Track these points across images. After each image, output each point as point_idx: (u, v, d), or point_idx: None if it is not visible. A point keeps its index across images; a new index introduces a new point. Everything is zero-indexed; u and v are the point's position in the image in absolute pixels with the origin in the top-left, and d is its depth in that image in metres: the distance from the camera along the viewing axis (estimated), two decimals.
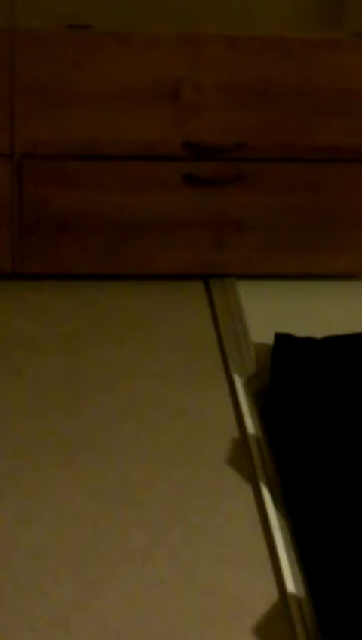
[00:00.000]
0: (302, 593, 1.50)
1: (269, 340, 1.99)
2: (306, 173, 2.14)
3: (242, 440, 1.82)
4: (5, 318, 2.10)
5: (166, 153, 2.08)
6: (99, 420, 1.84)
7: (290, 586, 1.51)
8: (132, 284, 2.23)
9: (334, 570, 1.50)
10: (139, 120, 2.03)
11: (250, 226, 2.17)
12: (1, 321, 2.09)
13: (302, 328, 2.03)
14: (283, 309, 2.17)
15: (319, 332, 2.02)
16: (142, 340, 2.07)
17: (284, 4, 2.23)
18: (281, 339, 1.97)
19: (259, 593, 1.50)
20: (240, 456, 1.78)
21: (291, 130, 2.09)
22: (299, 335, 2.00)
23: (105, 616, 1.44)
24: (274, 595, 1.50)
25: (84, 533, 1.59)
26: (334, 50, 2.03)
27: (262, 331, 2.06)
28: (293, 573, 1.54)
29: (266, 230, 2.18)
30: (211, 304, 2.21)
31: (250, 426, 1.84)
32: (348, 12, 2.24)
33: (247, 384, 1.96)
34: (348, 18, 2.23)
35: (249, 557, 1.57)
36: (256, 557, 1.57)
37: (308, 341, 1.98)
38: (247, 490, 1.70)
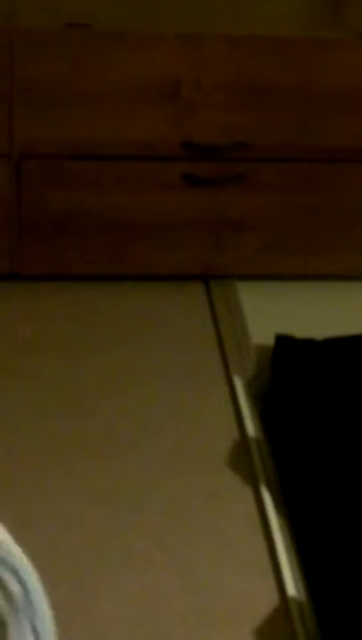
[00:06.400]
0: (302, 596, 1.50)
1: (270, 341, 1.98)
2: (306, 173, 2.13)
3: (242, 442, 1.81)
4: (3, 320, 2.09)
5: (165, 153, 2.06)
6: (99, 422, 1.83)
7: (291, 588, 1.50)
8: (131, 285, 2.22)
9: (335, 573, 1.49)
10: (139, 120, 2.02)
11: (250, 227, 2.16)
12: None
13: (303, 329, 2.02)
14: (283, 310, 2.16)
15: (320, 333, 2.01)
16: (142, 341, 2.06)
17: (284, 3, 2.22)
18: (282, 340, 1.97)
19: (259, 596, 1.50)
20: (240, 459, 1.77)
21: (291, 130, 2.08)
22: (300, 336, 1.99)
23: (105, 620, 1.43)
24: (274, 597, 1.50)
25: (84, 537, 1.58)
26: (334, 49, 2.02)
27: (262, 333, 2.05)
28: (294, 576, 1.53)
29: (266, 230, 2.17)
30: (211, 305, 2.20)
31: (250, 427, 1.83)
32: (349, 11, 2.23)
33: (247, 386, 1.96)
34: (349, 17, 2.22)
35: (249, 560, 1.56)
36: (257, 560, 1.56)
37: (309, 342, 1.97)
38: (248, 493, 1.69)
